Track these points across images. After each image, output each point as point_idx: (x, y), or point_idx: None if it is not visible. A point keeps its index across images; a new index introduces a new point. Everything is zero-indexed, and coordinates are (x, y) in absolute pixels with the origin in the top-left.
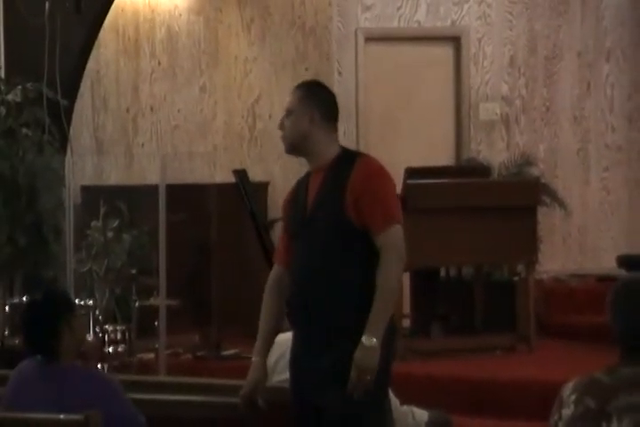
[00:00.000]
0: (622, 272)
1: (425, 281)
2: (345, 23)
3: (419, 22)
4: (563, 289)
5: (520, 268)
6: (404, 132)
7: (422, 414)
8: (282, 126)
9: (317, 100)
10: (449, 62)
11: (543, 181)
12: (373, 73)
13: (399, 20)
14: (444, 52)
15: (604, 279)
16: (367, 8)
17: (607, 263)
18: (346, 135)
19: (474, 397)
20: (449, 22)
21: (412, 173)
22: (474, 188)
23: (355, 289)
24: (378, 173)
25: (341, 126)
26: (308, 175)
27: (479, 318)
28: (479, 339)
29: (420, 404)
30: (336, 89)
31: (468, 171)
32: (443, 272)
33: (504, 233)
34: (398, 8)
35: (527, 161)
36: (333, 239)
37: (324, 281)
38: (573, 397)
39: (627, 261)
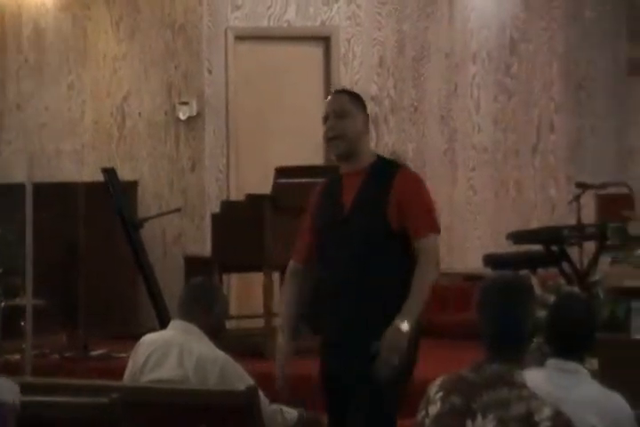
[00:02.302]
0: (488, 271)
1: None
2: (215, 22)
3: (288, 22)
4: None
5: None
6: (274, 130)
7: (292, 414)
8: (336, 130)
9: (362, 104)
10: (319, 62)
11: None
12: (243, 72)
13: (269, 20)
14: (314, 52)
15: (471, 278)
16: (237, 7)
17: (474, 262)
18: (215, 134)
19: None
20: (319, 22)
21: (282, 172)
22: None
23: (391, 285)
24: (422, 183)
25: (211, 125)
26: (339, 177)
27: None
28: None
29: (289, 403)
30: (206, 88)
31: (337, 170)
32: None
33: None
34: (268, 7)
35: (396, 160)
36: (372, 240)
37: (363, 275)
38: (440, 394)
39: (492, 260)
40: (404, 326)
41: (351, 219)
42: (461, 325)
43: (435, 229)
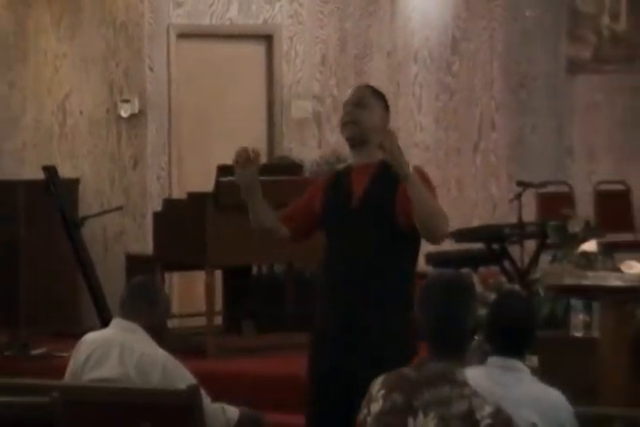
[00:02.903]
0: (430, 269)
1: (237, 279)
2: (156, 19)
3: (231, 20)
4: None
5: None
6: (216, 129)
7: (233, 412)
8: (352, 116)
9: (384, 100)
10: (261, 60)
11: None
12: (185, 70)
13: (211, 18)
14: (257, 50)
15: None
16: (179, 5)
17: None
18: (157, 132)
19: (285, 394)
20: (261, 20)
21: (224, 170)
22: (286, 185)
23: (394, 280)
24: (429, 180)
25: (153, 123)
26: (349, 169)
27: (291, 315)
28: (290, 336)
29: (231, 402)
30: (148, 85)
31: (280, 168)
32: (255, 270)
33: None
34: (210, 5)
35: (338, 159)
36: (379, 234)
37: (367, 268)
38: (382, 392)
39: (434, 259)
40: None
41: (359, 211)
42: None
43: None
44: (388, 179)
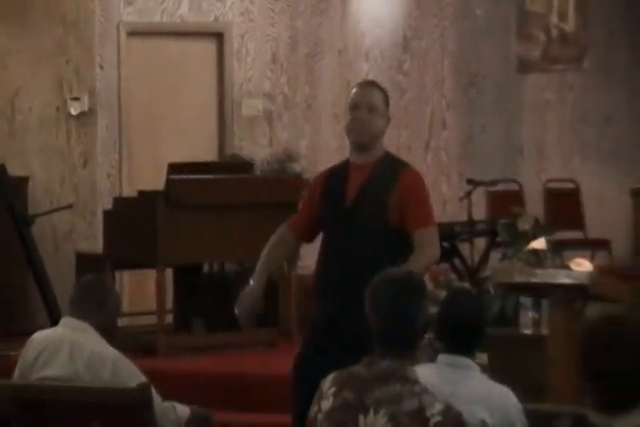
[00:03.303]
0: None
1: (187, 277)
2: (107, 17)
3: (181, 17)
4: None
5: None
6: (167, 126)
7: (184, 410)
8: (362, 119)
9: (388, 104)
10: (212, 58)
11: (305, 177)
12: (136, 67)
13: (162, 15)
14: (208, 48)
15: None
16: (129, 2)
17: None
18: (108, 129)
19: (236, 392)
20: (212, 18)
21: (175, 168)
22: (236, 184)
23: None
24: (424, 187)
25: (103, 121)
26: (346, 166)
27: None
28: (241, 335)
29: (181, 400)
30: (98, 83)
31: (230, 166)
32: (206, 268)
33: (266, 229)
34: (161, 2)
35: (289, 157)
36: (372, 233)
37: (361, 267)
38: (333, 389)
39: None
40: None
41: (353, 211)
42: None
43: (433, 221)
44: (385, 177)
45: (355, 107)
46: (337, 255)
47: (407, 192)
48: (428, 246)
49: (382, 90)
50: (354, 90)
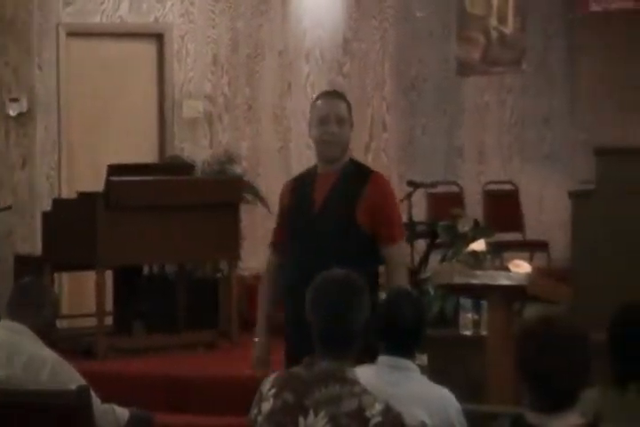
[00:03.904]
0: None
1: (127, 279)
2: (46, 17)
3: (121, 18)
4: None
5: (223, 265)
6: (107, 127)
7: (123, 413)
8: (333, 133)
9: (350, 106)
10: (152, 59)
11: (246, 178)
12: (76, 69)
13: (101, 16)
14: (148, 49)
15: None
16: (68, 3)
17: None
18: (47, 131)
19: (176, 394)
20: (152, 19)
21: (114, 169)
22: (177, 185)
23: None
24: (392, 191)
25: (42, 122)
26: (312, 174)
27: (182, 315)
28: (181, 336)
29: (121, 402)
30: (37, 84)
31: (171, 168)
32: (146, 270)
33: (207, 231)
34: (101, 3)
35: (230, 159)
36: (340, 239)
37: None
38: (273, 391)
39: None
40: None
41: (320, 218)
42: None
43: (403, 235)
44: (352, 184)
45: (323, 120)
46: (304, 259)
47: (375, 202)
48: (398, 272)
49: (345, 99)
50: (318, 102)
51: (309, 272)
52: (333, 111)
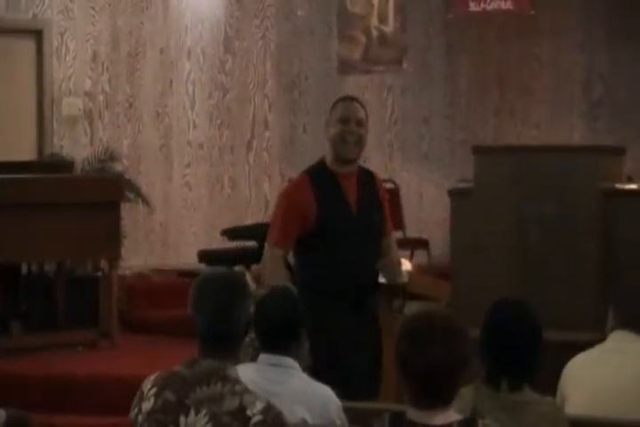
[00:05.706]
0: (203, 267)
1: (5, 277)
2: None
3: None
4: (144, 284)
5: (103, 263)
6: None
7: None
8: (355, 132)
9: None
10: (31, 56)
11: (127, 176)
12: None
13: None
14: (26, 46)
15: (186, 274)
16: None
17: (189, 258)
18: None
19: (55, 394)
20: (30, 15)
21: None
22: (56, 183)
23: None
24: (384, 193)
25: None
26: (330, 174)
27: (61, 314)
28: (61, 335)
29: None
30: None
31: (50, 166)
32: (24, 268)
33: (87, 229)
34: None
35: (111, 157)
36: (377, 238)
37: (373, 275)
38: (154, 390)
39: (207, 256)
40: None
41: (361, 217)
42: (174, 321)
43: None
44: (370, 185)
45: (345, 120)
46: (351, 260)
47: (383, 195)
48: (396, 249)
49: (364, 107)
50: (339, 104)
51: (356, 273)
52: (355, 114)
